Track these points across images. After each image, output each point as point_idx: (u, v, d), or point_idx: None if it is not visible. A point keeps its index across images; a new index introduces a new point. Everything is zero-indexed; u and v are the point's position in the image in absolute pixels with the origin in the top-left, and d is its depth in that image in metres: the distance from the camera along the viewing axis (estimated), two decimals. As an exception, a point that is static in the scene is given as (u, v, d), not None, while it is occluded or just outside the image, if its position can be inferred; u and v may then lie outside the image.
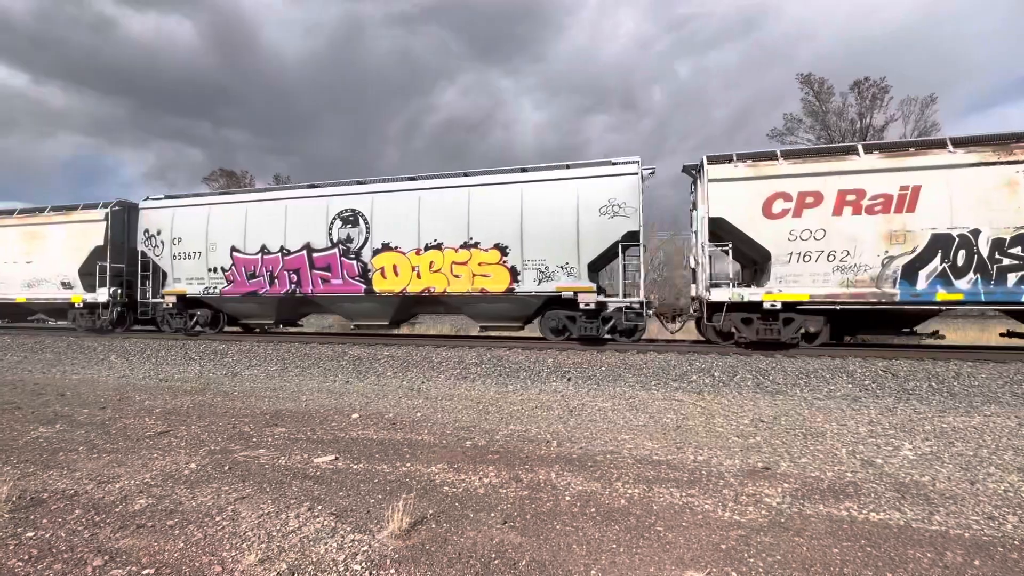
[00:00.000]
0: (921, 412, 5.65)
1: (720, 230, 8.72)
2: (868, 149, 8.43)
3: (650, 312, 9.73)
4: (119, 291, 12.68)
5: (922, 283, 7.66)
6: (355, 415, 5.66)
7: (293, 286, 10.83)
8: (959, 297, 7.51)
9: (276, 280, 10.95)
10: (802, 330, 8.47)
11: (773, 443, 4.54)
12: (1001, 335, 9.03)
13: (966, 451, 4.25)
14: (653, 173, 9.65)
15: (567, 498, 3.25)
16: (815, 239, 8.08)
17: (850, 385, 6.81)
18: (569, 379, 7.68)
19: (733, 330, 8.82)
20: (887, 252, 7.78)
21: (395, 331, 12.08)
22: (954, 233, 7.54)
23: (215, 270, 11.42)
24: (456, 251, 9.84)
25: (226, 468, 3.84)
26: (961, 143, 7.82)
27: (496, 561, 2.41)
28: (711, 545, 2.59)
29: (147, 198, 12.75)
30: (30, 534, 2.67)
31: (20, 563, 2.36)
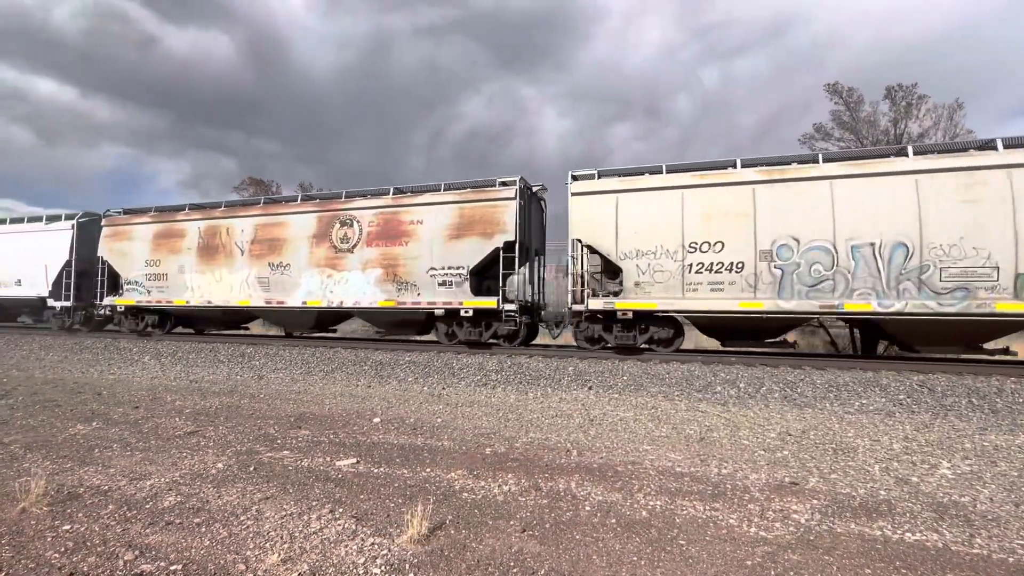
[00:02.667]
0: (960, 429, 5.40)
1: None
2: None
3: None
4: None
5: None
6: (377, 419, 5.71)
7: None
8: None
9: None
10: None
11: (801, 457, 4.40)
12: None
13: (1010, 471, 4.04)
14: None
15: (587, 508, 3.21)
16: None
17: (883, 399, 6.56)
18: (590, 388, 7.61)
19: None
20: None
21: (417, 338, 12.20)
22: None
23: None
24: None
25: (251, 469, 3.92)
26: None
27: (515, 569, 2.39)
28: (736, 561, 2.52)
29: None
30: (66, 527, 2.77)
31: (57, 555, 2.45)
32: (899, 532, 2.89)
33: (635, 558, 2.53)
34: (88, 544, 2.57)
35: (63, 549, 2.51)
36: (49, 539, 2.62)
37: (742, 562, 2.51)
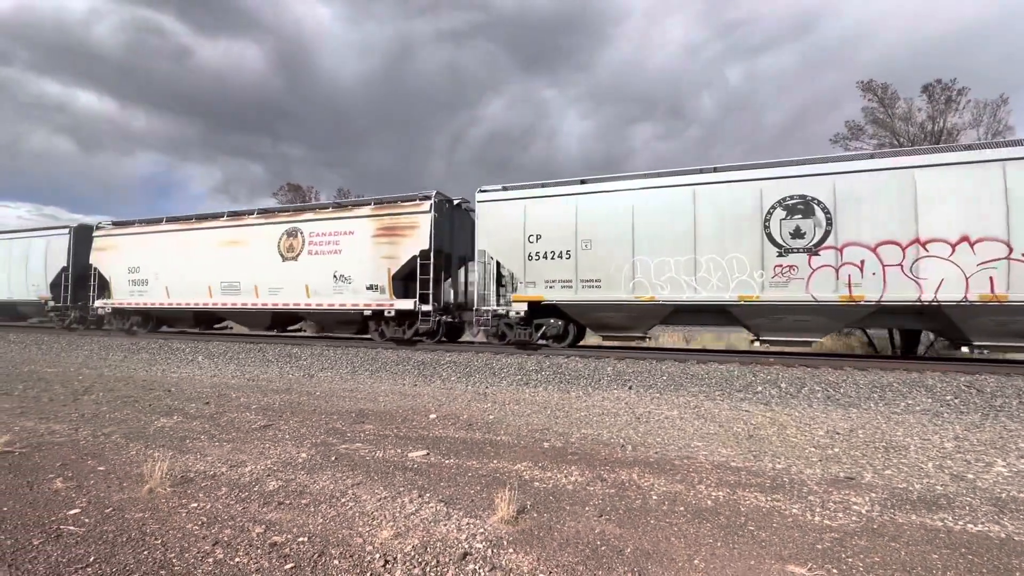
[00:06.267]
0: (1012, 430, 5.41)
1: None
2: None
3: None
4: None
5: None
6: (432, 415, 6.02)
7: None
8: None
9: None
10: None
11: (852, 455, 4.51)
12: None
13: (1067, 470, 4.09)
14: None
15: (654, 497, 3.43)
16: None
17: (930, 400, 6.57)
18: (630, 387, 7.78)
19: None
20: None
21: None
22: None
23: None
24: None
25: (333, 458, 4.25)
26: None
27: (603, 547, 2.63)
28: (807, 545, 2.70)
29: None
30: (194, 505, 3.12)
31: (196, 527, 2.80)
32: (960, 523, 3.02)
33: (711, 540, 2.74)
34: (219, 519, 2.91)
35: (200, 523, 2.85)
36: (183, 514, 2.97)
37: (813, 546, 2.69)
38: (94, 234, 15.59)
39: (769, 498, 3.42)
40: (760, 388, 7.39)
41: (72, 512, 2.99)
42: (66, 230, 16.33)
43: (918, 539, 2.80)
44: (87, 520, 2.87)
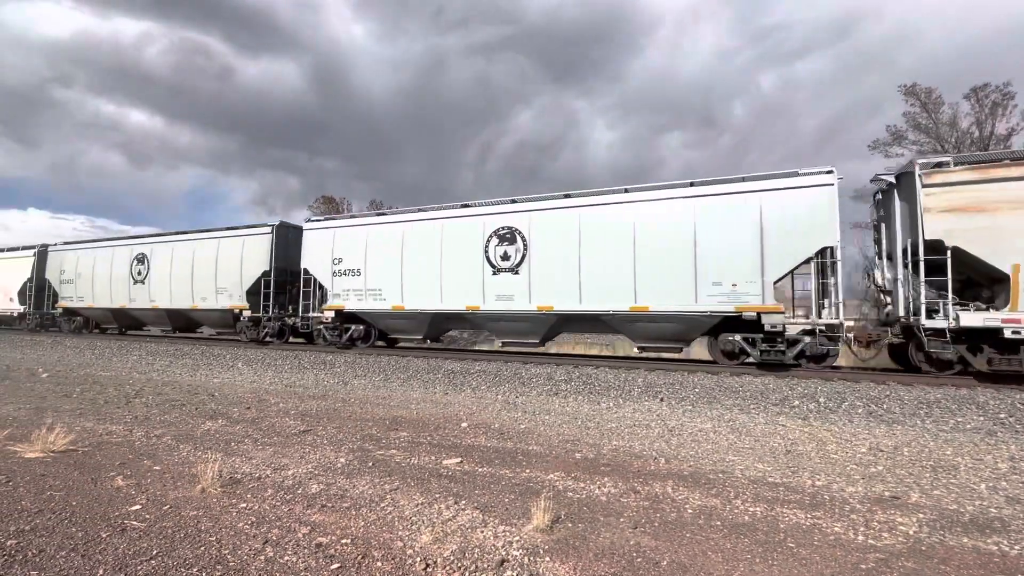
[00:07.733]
0: (1074, 451, 5.11)
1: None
2: None
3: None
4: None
5: None
6: (464, 424, 6.10)
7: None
8: None
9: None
10: None
11: (898, 473, 4.36)
12: None
13: None
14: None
15: (689, 510, 3.40)
16: None
17: (981, 418, 6.26)
18: (662, 399, 7.70)
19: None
20: None
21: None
22: None
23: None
24: None
25: (370, 464, 4.38)
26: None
27: (639, 559, 2.64)
28: (850, 565, 2.64)
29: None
30: (243, 505, 3.28)
31: (247, 526, 2.94)
32: (1016, 548, 2.89)
33: (749, 556, 2.71)
34: (267, 519, 3.05)
35: (249, 522, 3.00)
36: (234, 514, 3.13)
37: (856, 566, 2.63)
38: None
39: (809, 515, 3.35)
40: (797, 402, 7.19)
41: (133, 508, 3.19)
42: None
43: (970, 563, 2.70)
44: (147, 516, 3.06)
